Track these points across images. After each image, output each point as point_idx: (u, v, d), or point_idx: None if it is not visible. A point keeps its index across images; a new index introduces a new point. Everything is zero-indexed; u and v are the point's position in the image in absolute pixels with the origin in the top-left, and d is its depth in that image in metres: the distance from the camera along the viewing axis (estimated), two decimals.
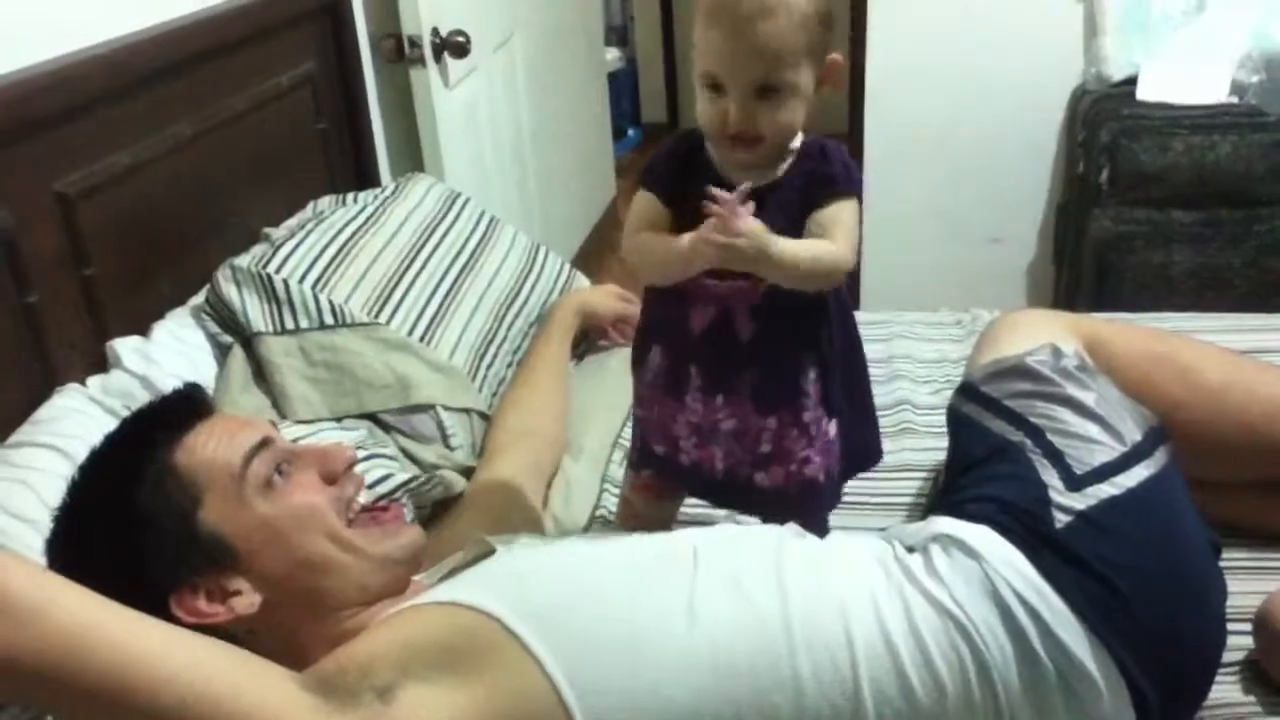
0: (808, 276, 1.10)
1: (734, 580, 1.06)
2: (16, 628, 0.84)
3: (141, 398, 1.41)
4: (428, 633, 1.00)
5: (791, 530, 1.18)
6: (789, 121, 1.11)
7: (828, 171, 1.14)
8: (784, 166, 1.15)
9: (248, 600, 1.02)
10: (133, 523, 1.01)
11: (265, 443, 1.08)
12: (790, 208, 1.13)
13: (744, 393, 1.17)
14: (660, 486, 1.30)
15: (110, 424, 1.25)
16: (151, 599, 0.96)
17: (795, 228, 1.12)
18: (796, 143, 1.16)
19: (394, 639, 0.99)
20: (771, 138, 1.12)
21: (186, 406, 1.12)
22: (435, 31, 2.26)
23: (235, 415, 1.18)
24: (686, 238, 1.09)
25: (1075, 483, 1.13)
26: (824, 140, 1.18)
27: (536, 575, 1.08)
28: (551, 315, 1.94)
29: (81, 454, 1.12)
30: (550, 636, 0.99)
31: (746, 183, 1.08)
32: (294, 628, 1.04)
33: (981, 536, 1.10)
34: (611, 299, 2.01)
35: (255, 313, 1.60)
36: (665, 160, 1.19)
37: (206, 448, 1.05)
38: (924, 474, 1.59)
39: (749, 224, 1.05)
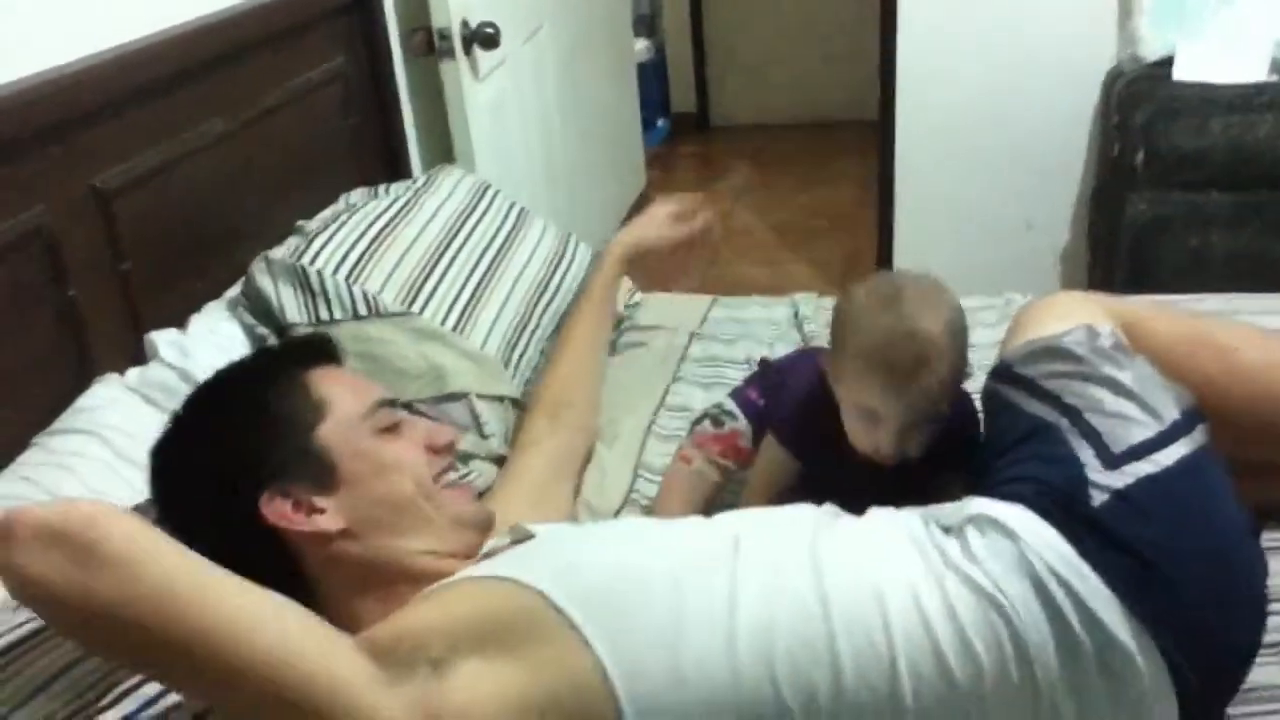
0: None
1: (773, 565, 1.07)
2: (114, 580, 0.87)
3: (179, 389, 1.43)
4: (479, 606, 1.03)
5: (829, 510, 1.19)
6: (931, 439, 1.25)
7: (960, 452, 1.29)
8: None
9: (330, 519, 1.08)
10: (257, 414, 1.10)
11: (391, 402, 1.19)
12: (906, 473, 1.27)
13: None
14: (739, 448, 1.44)
15: (149, 413, 1.30)
16: (246, 491, 1.05)
17: (913, 482, 1.26)
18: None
19: (446, 612, 1.03)
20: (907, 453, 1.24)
21: (322, 347, 1.24)
22: (465, 23, 2.27)
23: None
24: None
25: (1112, 461, 1.12)
26: (958, 417, 1.30)
27: (584, 558, 1.10)
28: (594, 273, 1.80)
29: (121, 442, 1.19)
30: (597, 618, 1.01)
31: None
32: (362, 559, 1.10)
33: (1018, 516, 1.09)
34: (662, 225, 1.77)
35: (290, 304, 1.62)
36: (804, 429, 1.33)
37: (340, 382, 1.17)
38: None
39: None
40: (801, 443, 1.35)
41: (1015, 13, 2.79)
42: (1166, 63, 2.58)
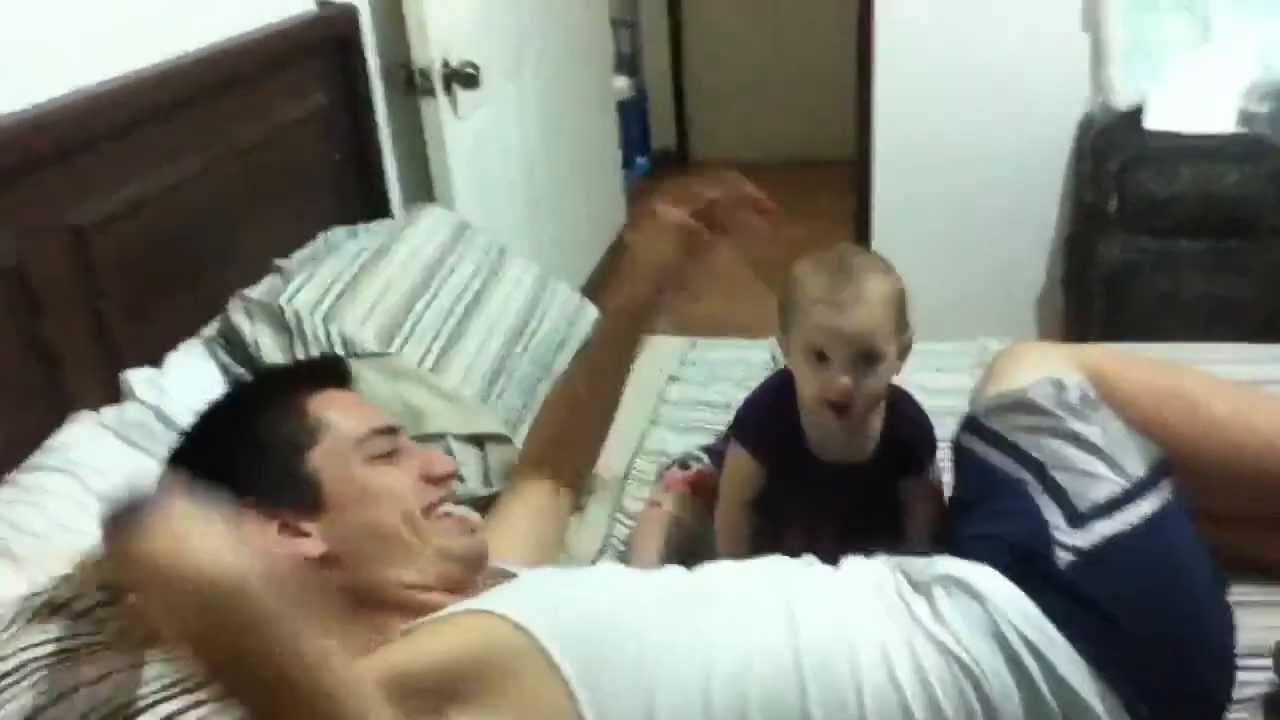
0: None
1: (748, 617, 1.08)
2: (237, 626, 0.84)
3: (155, 429, 1.43)
4: (464, 643, 1.03)
5: (804, 560, 1.21)
6: (879, 390, 1.28)
7: (915, 457, 1.36)
8: (869, 451, 1.33)
9: (313, 544, 1.09)
10: (251, 434, 1.13)
11: (393, 429, 1.20)
12: (871, 482, 1.34)
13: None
14: (708, 485, 1.48)
15: (124, 451, 1.30)
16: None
17: (874, 493, 1.34)
18: (876, 427, 1.33)
19: (433, 649, 1.03)
20: (864, 403, 1.27)
21: (334, 369, 1.27)
22: (445, 63, 2.28)
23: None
24: None
25: (1078, 519, 1.14)
26: (907, 421, 1.36)
27: (567, 601, 1.11)
28: (623, 302, 1.62)
29: (94, 480, 1.23)
30: (577, 660, 1.02)
31: None
32: (341, 594, 1.10)
33: (985, 576, 1.10)
34: (675, 234, 1.50)
35: (267, 344, 1.62)
36: (763, 434, 1.36)
37: (340, 407, 1.18)
38: None
39: None
40: (760, 439, 1.36)
41: (991, 60, 2.83)
42: (1138, 111, 2.63)
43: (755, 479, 1.36)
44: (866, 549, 1.22)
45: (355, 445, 1.15)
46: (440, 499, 1.20)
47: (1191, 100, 2.56)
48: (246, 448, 1.13)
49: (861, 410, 1.28)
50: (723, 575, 1.17)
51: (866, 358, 1.24)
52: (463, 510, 1.30)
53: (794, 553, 1.24)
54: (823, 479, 1.33)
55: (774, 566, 1.20)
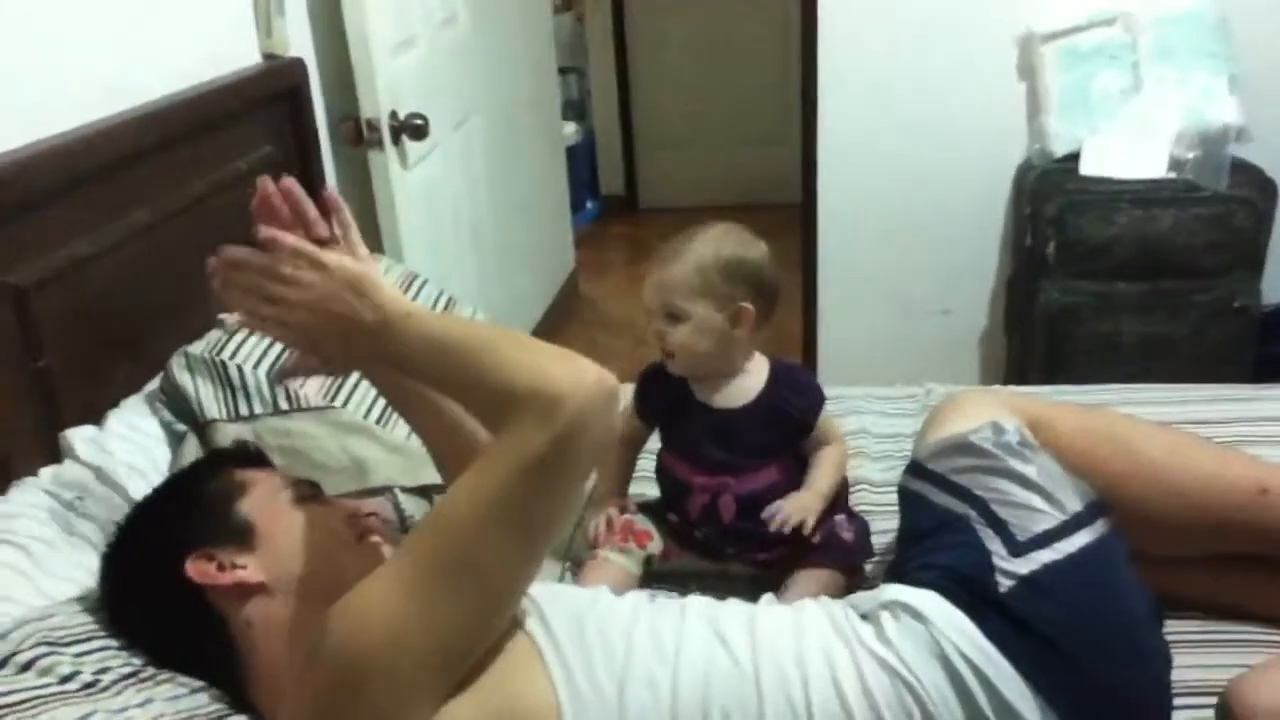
0: (836, 484, 1.53)
1: (714, 629, 1.14)
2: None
3: (95, 489, 1.41)
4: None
5: (765, 599, 1.28)
6: (688, 344, 1.47)
7: (805, 405, 1.53)
8: (754, 393, 1.53)
9: (251, 573, 1.13)
10: (184, 494, 1.22)
11: (315, 485, 1.26)
12: (763, 424, 1.52)
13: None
14: (637, 531, 1.58)
15: (65, 516, 1.29)
16: (174, 558, 1.12)
17: (771, 433, 1.52)
18: (761, 374, 1.54)
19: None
20: (680, 354, 1.49)
21: (252, 456, 1.32)
22: (394, 114, 2.29)
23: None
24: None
25: (1018, 548, 1.18)
26: (789, 373, 1.56)
27: (541, 594, 1.16)
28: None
29: (38, 550, 1.26)
30: (560, 649, 1.09)
31: None
32: (284, 616, 1.12)
33: (928, 601, 1.15)
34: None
35: (209, 400, 1.60)
36: (646, 389, 1.59)
37: (262, 473, 1.25)
38: (878, 558, 1.61)
39: (799, 511, 1.47)
40: (644, 399, 1.58)
41: (931, 108, 2.89)
42: (1074, 158, 2.69)
43: (631, 422, 1.60)
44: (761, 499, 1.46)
45: (282, 490, 1.21)
46: (367, 529, 1.23)
47: (1124, 147, 2.62)
48: (183, 503, 1.19)
49: (684, 361, 1.50)
50: (694, 601, 1.23)
51: (669, 315, 1.45)
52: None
53: (701, 528, 1.53)
54: (710, 423, 1.52)
55: (736, 601, 1.26)
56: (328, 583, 1.11)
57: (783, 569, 1.52)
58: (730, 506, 1.53)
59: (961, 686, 1.09)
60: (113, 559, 1.20)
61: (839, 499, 1.61)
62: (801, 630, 1.15)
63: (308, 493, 1.22)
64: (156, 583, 1.14)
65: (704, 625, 1.15)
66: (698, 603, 1.22)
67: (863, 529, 1.60)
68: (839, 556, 1.53)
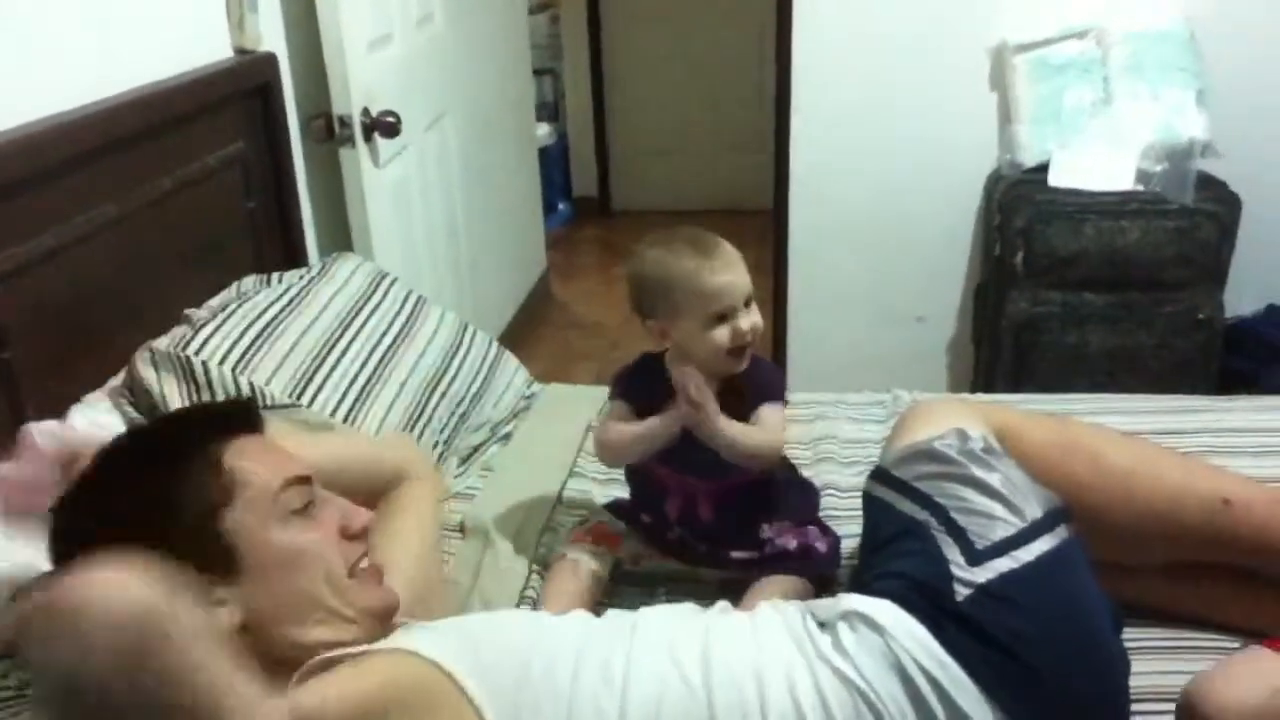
0: (744, 452, 1.45)
1: (666, 649, 1.12)
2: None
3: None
4: (386, 680, 1.03)
5: (720, 607, 1.26)
6: (760, 324, 1.48)
7: (760, 382, 1.51)
8: (714, 389, 1.46)
9: (229, 613, 1.04)
10: (160, 495, 1.05)
11: (306, 479, 1.14)
12: (734, 417, 1.46)
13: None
14: (608, 534, 1.59)
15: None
16: None
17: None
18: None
19: (357, 686, 1.01)
20: (754, 338, 1.47)
21: (243, 415, 1.18)
22: (366, 112, 2.27)
23: (283, 445, 1.21)
24: (659, 417, 1.47)
25: (976, 557, 1.19)
26: (755, 365, 1.51)
27: (485, 635, 1.13)
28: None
29: None
30: (495, 694, 1.04)
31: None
32: (260, 658, 1.04)
33: (886, 611, 1.15)
34: None
35: (173, 396, 1.58)
36: (631, 380, 1.57)
37: (256, 456, 1.11)
38: (845, 560, 1.61)
39: (711, 401, 1.41)
40: (629, 389, 1.55)
41: (904, 116, 2.91)
42: (1043, 169, 2.71)
43: (629, 415, 1.53)
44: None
45: (272, 501, 1.09)
46: (358, 556, 1.17)
47: (1093, 159, 2.65)
48: (155, 507, 1.05)
49: (753, 345, 1.49)
50: (645, 614, 1.22)
51: (746, 301, 1.46)
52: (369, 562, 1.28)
53: (677, 528, 1.52)
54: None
55: (694, 609, 1.24)
56: (307, 624, 1.08)
57: (754, 572, 1.52)
58: (708, 505, 1.54)
59: (917, 697, 1.09)
60: (65, 544, 1.07)
61: (811, 511, 1.63)
62: (760, 647, 1.14)
63: (299, 502, 1.11)
64: None
65: (655, 647, 1.13)
66: (651, 618, 1.19)
67: (835, 541, 1.60)
68: (811, 567, 1.53)
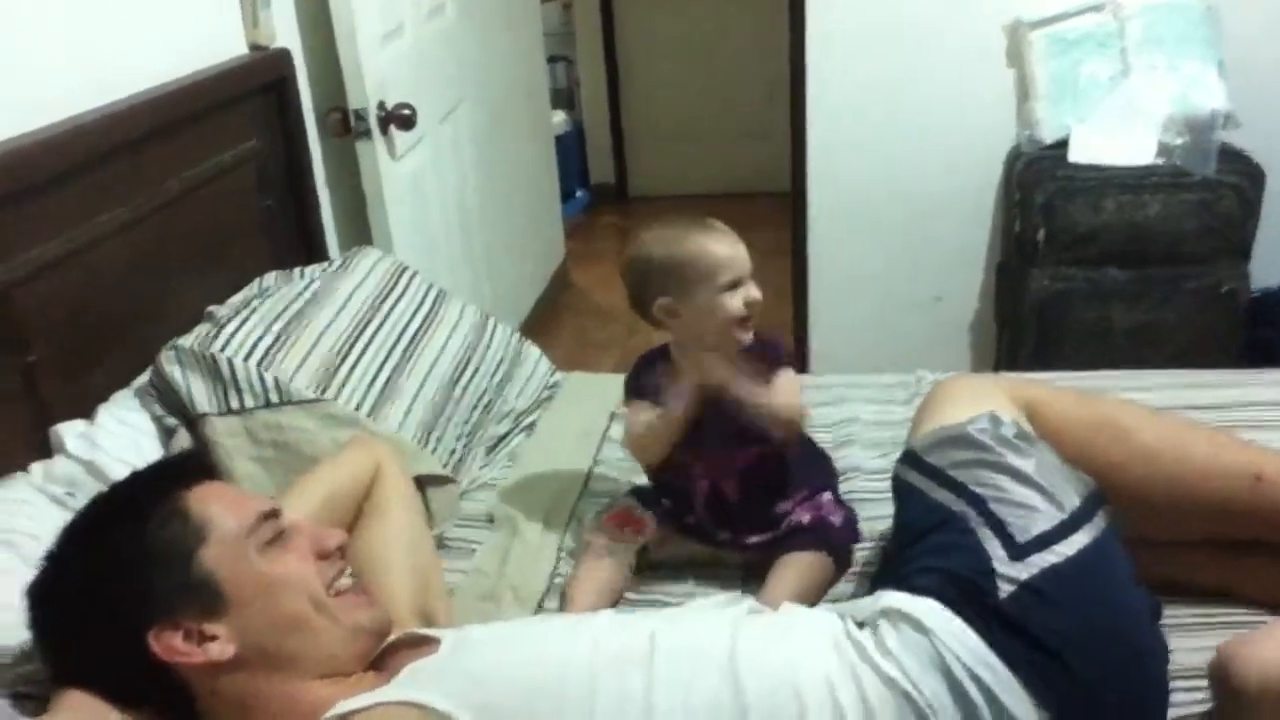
0: (779, 415, 1.49)
1: (690, 670, 1.08)
2: None
3: (86, 484, 1.40)
4: None
5: (747, 607, 1.22)
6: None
7: (768, 351, 1.54)
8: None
9: (221, 647, 1.05)
10: (137, 550, 1.07)
11: (274, 513, 1.15)
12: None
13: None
14: (633, 518, 1.61)
15: (57, 514, 1.27)
16: (133, 629, 1.03)
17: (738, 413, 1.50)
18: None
19: None
20: (755, 313, 1.50)
21: (197, 464, 1.22)
22: (381, 105, 2.27)
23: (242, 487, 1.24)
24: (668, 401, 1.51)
25: (1017, 551, 1.16)
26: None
27: (493, 669, 1.10)
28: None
29: (30, 548, 1.17)
30: None
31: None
32: (255, 689, 1.07)
33: (929, 610, 1.12)
34: None
35: (199, 393, 1.59)
36: (639, 378, 1.59)
37: (221, 500, 1.13)
38: (872, 543, 1.61)
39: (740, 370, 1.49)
40: (641, 385, 1.58)
41: (920, 94, 2.89)
42: (1063, 145, 2.69)
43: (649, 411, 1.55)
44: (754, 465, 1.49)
45: (245, 536, 1.10)
46: (336, 574, 1.17)
47: (1113, 134, 2.62)
48: (138, 564, 1.06)
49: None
50: (664, 622, 1.17)
51: (749, 271, 1.50)
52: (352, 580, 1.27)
53: (705, 516, 1.56)
54: (704, 399, 1.51)
55: (719, 613, 1.20)
56: (301, 651, 1.09)
57: (773, 554, 1.53)
58: (733, 484, 1.56)
59: (965, 699, 1.07)
60: (52, 616, 1.08)
61: (830, 482, 1.64)
62: (794, 654, 1.11)
63: (271, 534, 1.12)
64: (111, 654, 1.06)
65: (675, 674, 1.08)
66: (671, 634, 1.14)
67: (851, 516, 1.61)
68: (826, 538, 1.54)
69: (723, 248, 1.47)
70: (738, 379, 1.47)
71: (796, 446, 1.59)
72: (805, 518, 1.56)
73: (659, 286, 1.49)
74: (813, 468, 1.65)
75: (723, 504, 1.57)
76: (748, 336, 1.50)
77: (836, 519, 1.58)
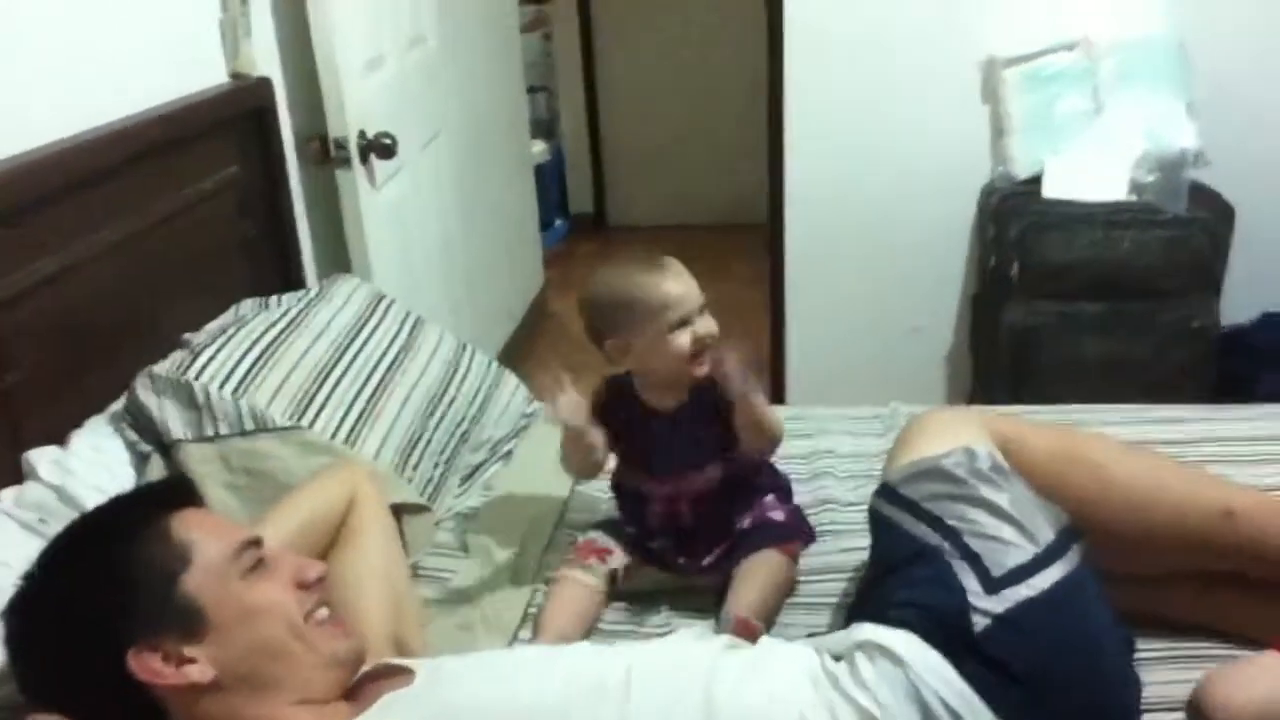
0: (768, 429, 1.53)
1: (665, 703, 1.08)
2: None
3: (58, 510, 1.39)
4: None
5: (724, 643, 1.22)
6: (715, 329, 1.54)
7: (716, 397, 1.52)
8: (685, 394, 1.56)
9: (200, 670, 1.06)
10: (118, 570, 1.08)
11: (256, 541, 1.16)
12: (700, 416, 1.55)
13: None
14: (598, 549, 1.61)
15: (27, 540, 1.26)
16: (112, 649, 1.04)
17: (709, 426, 1.54)
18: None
19: None
20: (712, 344, 1.52)
21: (182, 490, 1.22)
22: (362, 134, 2.28)
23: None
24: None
25: (992, 585, 1.17)
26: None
27: (470, 707, 1.10)
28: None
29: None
30: None
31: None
32: (231, 713, 1.08)
33: (905, 642, 1.13)
34: None
35: (174, 420, 1.59)
36: (604, 405, 1.60)
37: (203, 526, 1.14)
38: (848, 575, 1.61)
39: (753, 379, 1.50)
40: (604, 412, 1.58)
41: (897, 130, 2.92)
42: (1036, 180, 2.72)
43: (595, 436, 1.56)
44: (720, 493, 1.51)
45: (228, 562, 1.11)
46: (314, 605, 1.17)
47: (1085, 170, 2.66)
48: (119, 584, 1.07)
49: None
50: (640, 656, 1.17)
51: (701, 309, 1.52)
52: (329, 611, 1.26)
53: (663, 541, 1.58)
54: (662, 427, 1.57)
55: (696, 647, 1.20)
56: (279, 677, 1.10)
57: (730, 566, 1.56)
58: (687, 510, 1.59)
59: None
60: (32, 633, 1.09)
61: (774, 482, 1.69)
62: (769, 685, 1.12)
63: (252, 561, 1.13)
64: (89, 673, 1.06)
65: (651, 706, 1.09)
66: (645, 670, 1.14)
67: (796, 510, 1.68)
68: (773, 535, 1.59)
69: (671, 286, 1.50)
70: (746, 379, 1.48)
71: (768, 465, 1.62)
72: (746, 523, 1.61)
73: (609, 326, 1.53)
74: (758, 478, 1.68)
75: (679, 528, 1.60)
76: (702, 370, 1.52)
77: (779, 515, 1.63)
